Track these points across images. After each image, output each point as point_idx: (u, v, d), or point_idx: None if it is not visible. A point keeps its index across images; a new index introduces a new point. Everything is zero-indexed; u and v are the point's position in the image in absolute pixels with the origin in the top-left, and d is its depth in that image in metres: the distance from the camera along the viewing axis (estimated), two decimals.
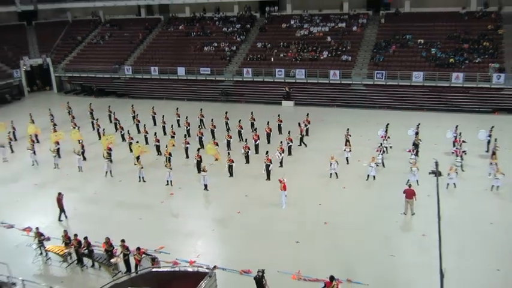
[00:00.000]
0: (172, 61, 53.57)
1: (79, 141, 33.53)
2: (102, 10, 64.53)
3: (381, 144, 30.78)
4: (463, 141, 29.67)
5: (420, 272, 18.31)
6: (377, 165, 27.93)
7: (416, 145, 30.61)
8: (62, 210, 24.46)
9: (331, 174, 28.35)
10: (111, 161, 30.81)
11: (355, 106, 44.16)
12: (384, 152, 29.82)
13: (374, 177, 27.65)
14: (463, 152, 28.73)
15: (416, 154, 28.92)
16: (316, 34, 52.04)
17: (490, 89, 41.30)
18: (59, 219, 24.39)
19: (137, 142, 32.79)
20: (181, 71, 51.82)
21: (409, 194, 23.08)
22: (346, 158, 30.03)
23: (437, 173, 19.19)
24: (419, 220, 22.80)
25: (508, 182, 25.54)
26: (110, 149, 31.77)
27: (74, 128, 37.60)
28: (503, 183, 25.36)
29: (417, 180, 26.10)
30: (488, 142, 31.05)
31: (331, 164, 28.15)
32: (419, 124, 33.04)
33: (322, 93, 46.12)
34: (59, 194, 24.47)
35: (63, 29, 64.40)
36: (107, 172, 30.14)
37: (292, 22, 54.70)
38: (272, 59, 49.97)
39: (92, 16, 65.56)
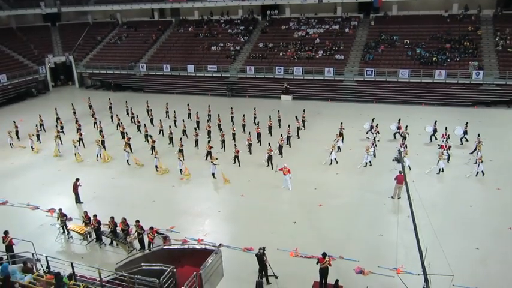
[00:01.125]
0: (182, 59, 53.17)
1: (100, 132, 33.49)
2: (120, 13, 64.06)
3: (374, 137, 30.61)
4: (448, 136, 29.41)
5: (405, 249, 18.16)
6: (367, 155, 27.75)
7: (404, 137, 30.44)
8: (76, 194, 24.21)
9: (331, 161, 28.19)
10: (131, 150, 30.62)
11: (347, 100, 43.90)
12: (375, 144, 29.52)
13: (366, 163, 27.63)
14: (449, 147, 28.50)
15: (405, 146, 28.65)
16: (312, 35, 51.56)
17: (470, 84, 40.99)
18: (78, 202, 24.16)
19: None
20: (190, 68, 51.47)
21: (400, 179, 22.83)
22: (338, 147, 29.84)
23: (401, 160, 19.11)
24: (405, 203, 22.60)
25: (483, 168, 25.51)
26: (129, 139, 31.69)
27: (95, 121, 37.62)
28: (480, 170, 25.38)
29: (409, 166, 26.40)
30: (462, 137, 30.92)
31: (331, 152, 28.05)
32: (400, 119, 32.69)
33: (318, 89, 45.82)
34: (77, 180, 24.19)
35: (84, 29, 63.90)
36: (128, 160, 29.86)
37: (290, 24, 54.20)
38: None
39: (110, 18, 65.16)
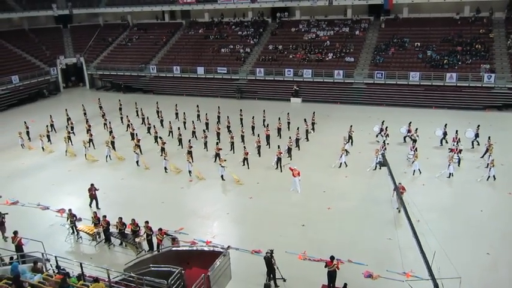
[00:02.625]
0: (192, 61, 53.41)
1: (110, 133, 33.86)
2: (130, 15, 64.49)
3: (384, 141, 30.51)
4: (459, 140, 29.15)
5: (415, 254, 17.98)
6: (377, 158, 27.60)
7: (414, 140, 30.29)
8: (92, 199, 23.79)
9: (340, 164, 28.06)
10: (140, 152, 30.77)
11: (357, 103, 43.68)
12: (385, 148, 29.36)
13: (376, 167, 27.33)
14: (460, 150, 28.26)
15: (416, 150, 28.45)
16: (322, 38, 51.49)
17: (481, 88, 40.58)
18: (97, 207, 23.64)
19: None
20: (200, 70, 51.64)
21: (403, 189, 21.67)
22: (346, 150, 29.64)
23: (385, 164, 18.94)
24: (414, 207, 22.45)
25: (495, 172, 25.25)
26: (139, 140, 31.81)
27: (105, 122, 37.89)
28: (492, 174, 25.13)
29: (419, 170, 26.41)
30: (474, 140, 30.65)
31: (341, 155, 27.94)
32: (410, 122, 32.46)
33: (327, 91, 45.66)
34: (92, 185, 23.74)
35: (95, 31, 64.44)
36: (137, 162, 29.91)
37: (300, 27, 54.19)
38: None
39: (121, 20, 65.58)
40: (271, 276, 16.63)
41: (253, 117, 35.37)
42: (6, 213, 21.37)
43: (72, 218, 20.87)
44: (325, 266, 16.05)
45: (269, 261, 16.45)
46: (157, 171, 28.73)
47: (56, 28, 64.27)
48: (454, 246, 18.78)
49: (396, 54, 46.51)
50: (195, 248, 17.40)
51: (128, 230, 20.05)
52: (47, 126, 36.32)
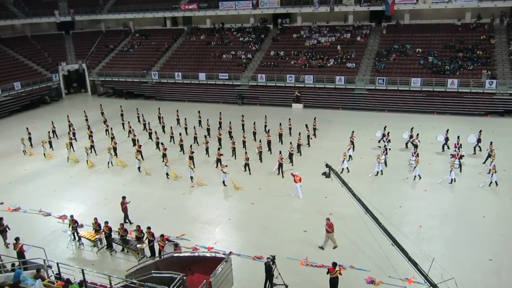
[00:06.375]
0: (194, 67, 53.56)
1: (112, 139, 33.80)
2: (132, 21, 64.78)
3: (385, 146, 30.57)
4: (460, 146, 29.15)
5: (416, 259, 17.96)
6: (379, 164, 27.61)
7: (416, 146, 30.29)
8: (125, 213, 22.76)
9: (342, 169, 27.98)
10: (142, 158, 30.81)
11: (359, 109, 43.79)
12: (386, 153, 29.40)
13: (378, 172, 27.46)
14: (461, 156, 28.25)
15: (417, 155, 28.44)
16: (324, 44, 51.66)
17: (483, 93, 40.60)
18: (124, 221, 22.36)
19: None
20: (202, 76, 51.74)
21: (331, 227, 19.69)
22: (349, 156, 29.71)
23: (330, 174, 18.84)
24: (416, 212, 22.53)
25: (497, 178, 25.22)
26: (140, 146, 31.83)
27: (107, 128, 38.03)
28: (494, 180, 25.10)
29: (419, 175, 26.43)
30: (476, 145, 30.64)
31: (343, 161, 27.94)
32: (412, 128, 32.56)
33: (329, 97, 45.78)
34: (123, 198, 22.82)
35: (97, 38, 64.71)
36: (139, 168, 29.91)
37: (302, 33, 54.36)
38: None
39: (123, 27, 65.86)
40: (269, 283, 16.56)
41: (254, 122, 35.44)
42: (1, 218, 20.87)
43: (74, 224, 20.88)
44: (327, 272, 16.02)
45: (269, 268, 16.36)
46: (159, 177, 28.75)
47: (58, 34, 64.51)
48: (457, 252, 18.77)
49: (398, 60, 46.58)
50: (196, 254, 17.40)
51: (130, 236, 20.04)
52: (48, 132, 36.37)
